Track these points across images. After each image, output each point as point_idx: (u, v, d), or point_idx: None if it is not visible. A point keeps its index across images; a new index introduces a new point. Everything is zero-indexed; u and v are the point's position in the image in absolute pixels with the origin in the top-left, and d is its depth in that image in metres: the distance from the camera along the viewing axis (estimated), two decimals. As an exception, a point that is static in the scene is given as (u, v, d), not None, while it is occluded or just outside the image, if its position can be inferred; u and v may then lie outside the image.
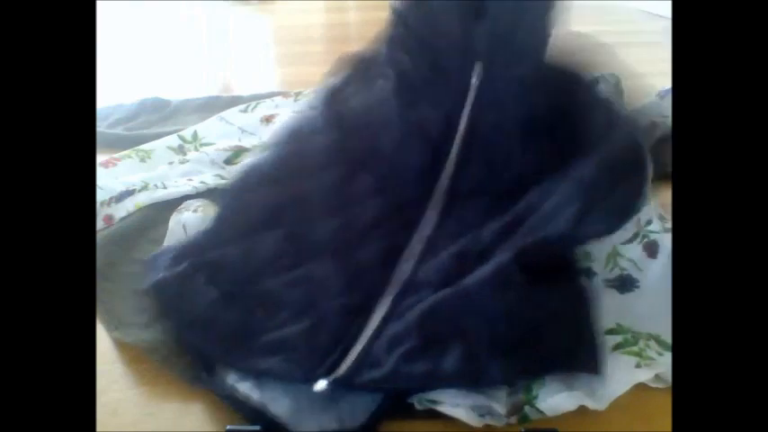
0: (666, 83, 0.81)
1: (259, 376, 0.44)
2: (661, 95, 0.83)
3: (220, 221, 0.56)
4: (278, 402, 0.42)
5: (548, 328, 0.45)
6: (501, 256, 0.47)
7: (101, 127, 0.89)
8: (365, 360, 0.43)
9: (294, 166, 0.59)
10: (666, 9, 1.63)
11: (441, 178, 0.55)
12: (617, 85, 0.90)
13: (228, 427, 0.42)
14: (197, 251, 0.53)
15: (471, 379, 0.43)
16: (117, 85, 1.06)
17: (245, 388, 0.44)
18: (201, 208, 0.62)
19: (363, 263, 0.50)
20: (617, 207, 0.47)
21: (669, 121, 0.82)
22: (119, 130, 0.89)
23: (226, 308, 0.48)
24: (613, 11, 1.79)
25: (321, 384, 0.42)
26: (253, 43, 1.44)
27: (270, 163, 0.60)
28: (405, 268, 0.50)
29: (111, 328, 0.52)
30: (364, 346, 0.44)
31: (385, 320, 0.46)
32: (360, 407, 0.42)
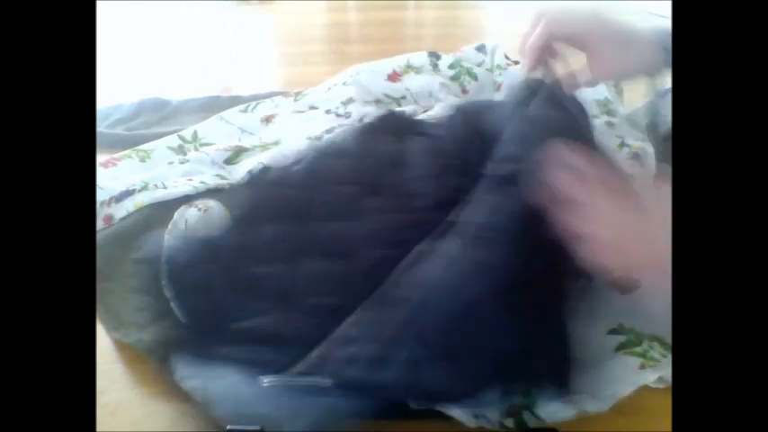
0: (666, 82, 0.81)
1: (226, 363, 0.44)
2: (661, 95, 0.83)
3: (235, 213, 0.58)
4: (220, 404, 0.43)
5: (543, 341, 0.44)
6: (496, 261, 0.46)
7: (101, 127, 0.89)
8: (324, 362, 0.43)
9: (316, 176, 0.61)
10: (666, 9, 1.63)
11: (450, 214, 0.54)
12: (617, 85, 0.91)
13: (228, 427, 0.42)
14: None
15: (468, 396, 0.43)
16: (117, 85, 1.06)
17: (192, 385, 0.44)
18: (204, 209, 0.62)
19: (354, 270, 0.50)
20: None
21: (669, 121, 0.82)
22: (119, 130, 0.89)
23: (212, 286, 0.49)
24: (613, 11, 1.79)
25: (267, 380, 0.42)
26: (253, 43, 1.44)
27: (297, 168, 0.63)
28: (391, 280, 0.49)
29: (111, 328, 0.52)
30: (327, 348, 0.44)
31: (357, 325, 0.45)
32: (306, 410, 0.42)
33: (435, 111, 0.83)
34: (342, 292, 0.48)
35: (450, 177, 0.60)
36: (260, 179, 0.65)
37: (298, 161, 0.65)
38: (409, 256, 0.50)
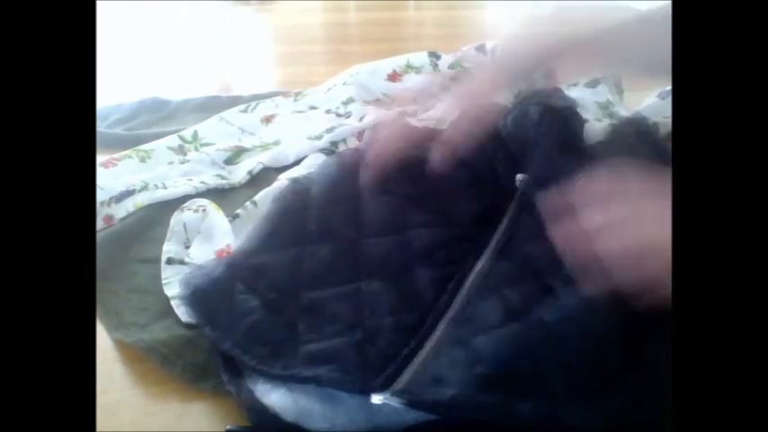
0: (667, 83, 0.81)
1: (304, 383, 0.42)
2: (662, 96, 0.83)
3: (266, 228, 0.56)
4: (315, 416, 0.41)
5: (632, 375, 0.41)
6: (583, 291, 0.44)
7: (101, 127, 0.89)
8: (423, 377, 0.41)
9: (352, 187, 0.60)
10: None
11: (497, 230, 0.54)
12: (617, 86, 0.91)
13: (228, 427, 0.42)
14: (237, 257, 0.52)
15: (550, 423, 0.39)
16: (117, 85, 1.06)
17: (276, 399, 0.42)
18: (203, 208, 0.62)
19: (416, 286, 0.49)
20: None
21: (669, 121, 0.82)
22: (119, 130, 0.88)
23: (267, 316, 0.47)
24: (613, 11, 1.79)
25: (378, 398, 0.40)
26: (253, 43, 1.44)
27: (330, 180, 0.62)
28: (461, 294, 0.48)
29: (111, 328, 0.52)
30: (422, 362, 0.42)
31: (443, 342, 0.44)
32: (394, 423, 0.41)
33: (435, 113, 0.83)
34: (408, 310, 0.47)
35: (480, 190, 0.60)
36: (289, 193, 0.62)
37: (323, 174, 0.64)
38: (474, 276, 0.49)
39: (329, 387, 0.42)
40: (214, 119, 0.87)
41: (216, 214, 0.62)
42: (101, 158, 0.74)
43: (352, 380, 0.42)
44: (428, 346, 0.43)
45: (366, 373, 0.42)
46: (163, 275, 0.56)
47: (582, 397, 0.40)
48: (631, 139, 0.65)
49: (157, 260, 0.58)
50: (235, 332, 0.46)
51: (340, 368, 0.42)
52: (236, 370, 0.45)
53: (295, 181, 0.66)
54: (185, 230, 0.60)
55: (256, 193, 0.69)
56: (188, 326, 0.51)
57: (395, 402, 0.39)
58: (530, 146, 0.62)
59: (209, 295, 0.50)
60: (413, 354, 0.43)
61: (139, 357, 0.49)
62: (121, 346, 0.50)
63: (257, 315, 0.47)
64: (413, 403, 0.40)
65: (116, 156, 0.76)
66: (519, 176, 0.59)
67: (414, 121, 0.86)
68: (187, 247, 0.59)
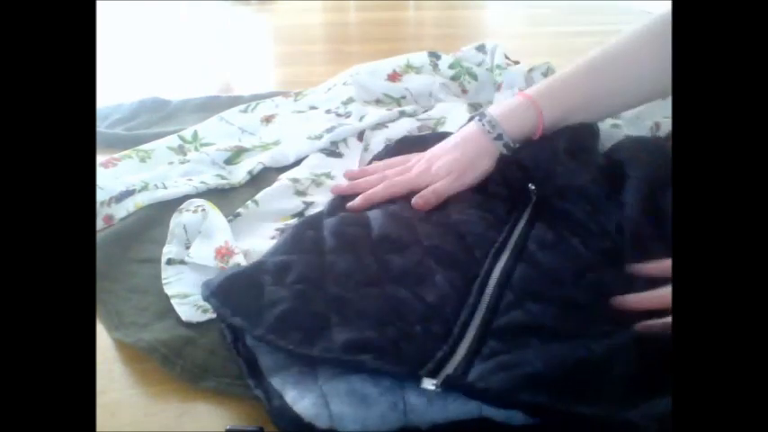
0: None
1: (346, 367, 0.41)
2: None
3: (289, 242, 0.55)
4: (347, 420, 0.40)
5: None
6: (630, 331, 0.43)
7: (101, 127, 0.89)
8: (471, 364, 0.41)
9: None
10: (666, 9, 1.64)
11: (512, 236, 0.55)
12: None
13: (228, 427, 0.42)
14: (261, 259, 0.52)
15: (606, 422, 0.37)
16: (117, 85, 1.06)
17: (308, 406, 0.40)
18: (201, 208, 0.62)
19: (442, 291, 0.48)
20: None
21: (669, 121, 0.83)
22: (119, 130, 0.89)
23: (298, 305, 0.45)
24: (613, 11, 1.80)
25: (429, 383, 0.39)
26: (253, 43, 1.44)
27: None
28: (486, 296, 0.48)
29: (111, 327, 0.52)
30: (469, 350, 0.42)
31: (482, 336, 0.44)
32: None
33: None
34: (440, 311, 0.46)
35: (493, 199, 0.61)
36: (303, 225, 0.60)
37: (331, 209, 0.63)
38: (498, 274, 0.50)
39: (374, 372, 0.40)
40: (214, 119, 0.87)
41: (214, 213, 0.62)
42: (101, 158, 0.74)
43: (399, 365, 0.40)
44: (468, 339, 0.43)
45: (411, 360, 0.41)
46: (163, 275, 0.56)
47: (636, 397, 0.38)
48: (643, 149, 0.65)
49: (157, 260, 0.58)
50: (266, 320, 0.44)
51: (381, 357, 0.41)
52: (260, 375, 0.44)
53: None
54: (186, 232, 0.60)
55: (256, 192, 0.69)
56: (189, 325, 0.51)
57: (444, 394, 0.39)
58: (541, 155, 0.63)
59: (237, 288, 0.48)
60: (455, 346, 0.43)
61: (139, 357, 0.49)
62: (121, 345, 0.50)
63: (288, 304, 0.45)
64: (468, 390, 0.39)
65: (116, 156, 0.76)
66: (531, 186, 0.61)
67: (414, 122, 0.86)
68: (187, 248, 0.59)
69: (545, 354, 0.42)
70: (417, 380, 0.40)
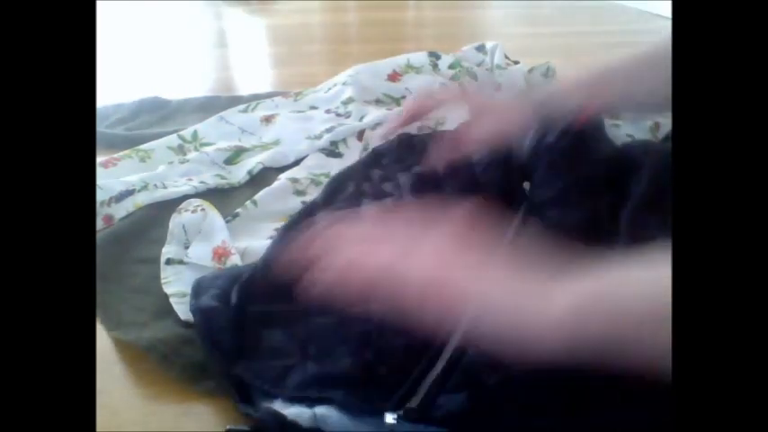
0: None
1: (318, 403, 0.43)
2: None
3: (270, 259, 0.55)
4: (331, 421, 0.42)
5: None
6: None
7: (101, 127, 0.89)
8: (437, 394, 0.42)
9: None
10: (666, 9, 1.64)
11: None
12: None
13: (228, 427, 0.42)
14: (245, 284, 0.52)
15: None
16: (117, 85, 1.06)
17: (295, 413, 0.42)
18: (201, 208, 0.63)
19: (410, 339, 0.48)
20: None
21: (669, 121, 0.83)
22: (119, 130, 0.89)
23: (277, 338, 0.48)
24: (613, 11, 1.80)
25: (391, 417, 0.40)
26: (252, 43, 1.44)
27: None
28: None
29: (110, 327, 0.52)
30: (435, 380, 0.42)
31: (455, 361, 0.44)
32: None
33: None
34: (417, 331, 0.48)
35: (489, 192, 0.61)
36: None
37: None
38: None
39: (343, 409, 0.42)
40: (214, 119, 0.87)
41: (213, 214, 0.62)
42: (101, 158, 0.74)
43: (365, 401, 0.42)
44: (439, 365, 0.43)
45: (379, 393, 0.42)
46: (162, 275, 0.56)
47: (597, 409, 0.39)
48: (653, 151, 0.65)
49: (156, 260, 0.58)
50: (245, 356, 0.47)
51: (353, 390, 0.43)
52: (247, 393, 0.45)
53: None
54: (185, 232, 0.61)
55: (256, 193, 0.69)
56: (187, 325, 0.51)
57: (406, 424, 0.40)
58: (540, 156, 0.63)
59: (219, 321, 0.49)
60: (425, 372, 0.43)
61: (139, 357, 0.49)
62: (121, 346, 0.50)
63: (267, 338, 0.48)
64: (426, 421, 0.40)
65: (116, 156, 0.76)
66: (526, 184, 0.61)
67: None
68: (186, 248, 0.59)
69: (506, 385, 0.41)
70: (381, 415, 0.41)
